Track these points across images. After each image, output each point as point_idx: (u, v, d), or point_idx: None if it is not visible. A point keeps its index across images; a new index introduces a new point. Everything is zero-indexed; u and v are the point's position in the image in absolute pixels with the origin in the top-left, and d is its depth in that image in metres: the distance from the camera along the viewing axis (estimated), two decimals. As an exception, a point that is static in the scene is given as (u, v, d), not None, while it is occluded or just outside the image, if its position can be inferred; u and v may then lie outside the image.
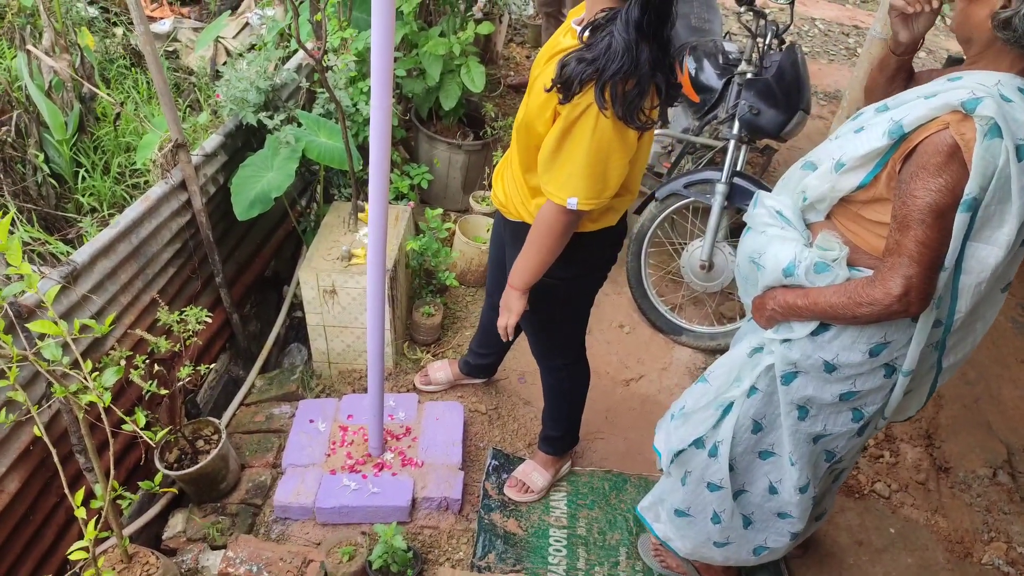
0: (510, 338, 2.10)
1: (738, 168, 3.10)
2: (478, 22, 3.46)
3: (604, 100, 1.58)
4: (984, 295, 1.54)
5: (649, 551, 2.38)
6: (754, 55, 3.22)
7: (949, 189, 1.39)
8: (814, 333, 1.64)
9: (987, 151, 1.35)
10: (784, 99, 3.12)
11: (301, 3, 2.94)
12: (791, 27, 3.49)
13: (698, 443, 1.95)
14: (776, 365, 1.73)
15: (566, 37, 1.76)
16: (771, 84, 3.12)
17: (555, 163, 1.71)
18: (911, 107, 1.46)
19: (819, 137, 4.84)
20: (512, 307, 1.98)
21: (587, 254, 1.99)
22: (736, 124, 3.14)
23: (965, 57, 1.54)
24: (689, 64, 3.49)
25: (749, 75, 3.19)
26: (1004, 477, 2.80)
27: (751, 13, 3.21)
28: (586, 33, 1.63)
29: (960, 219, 1.40)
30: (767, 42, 3.25)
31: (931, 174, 1.40)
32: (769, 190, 3.00)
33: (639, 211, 3.29)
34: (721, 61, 3.45)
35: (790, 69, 3.15)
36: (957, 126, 1.38)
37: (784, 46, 3.35)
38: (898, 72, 1.75)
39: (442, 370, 2.86)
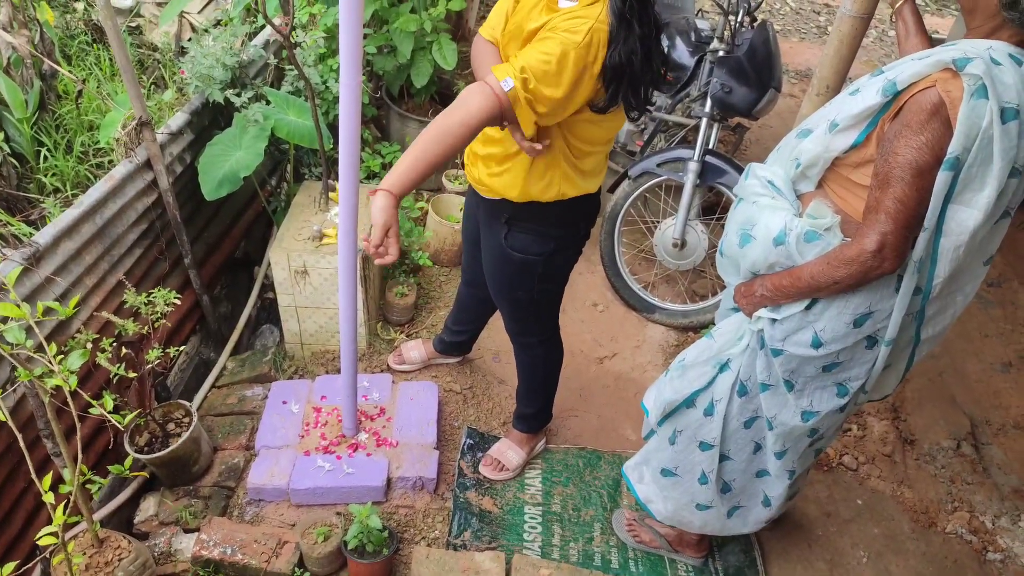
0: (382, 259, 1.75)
1: (710, 146, 3.11)
2: (449, -2, 3.42)
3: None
4: (964, 265, 1.57)
5: (623, 526, 2.41)
6: (726, 33, 3.22)
7: (930, 147, 1.40)
8: (808, 307, 1.66)
9: (972, 111, 1.37)
10: (756, 77, 3.13)
11: (268, -23, 2.88)
12: (763, 5, 3.50)
13: (688, 402, 1.97)
14: (765, 338, 1.76)
15: (542, 12, 1.72)
16: (743, 62, 3.13)
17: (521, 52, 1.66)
18: (905, 66, 1.48)
19: (790, 115, 4.87)
20: (372, 206, 1.64)
21: (565, 228, 2.00)
22: (708, 102, 3.15)
23: (967, 27, 1.57)
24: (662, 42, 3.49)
25: (721, 53, 3.19)
26: (967, 448, 2.88)
27: (723, -10, 3.21)
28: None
29: (942, 178, 1.42)
30: (739, 20, 3.25)
31: (914, 131, 1.42)
32: (741, 168, 3.04)
33: (612, 189, 3.29)
34: (693, 39, 3.45)
35: (762, 47, 3.16)
36: (945, 83, 1.40)
37: (756, 24, 3.36)
38: (916, 20, 1.82)
39: (416, 349, 2.86)
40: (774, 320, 1.72)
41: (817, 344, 1.67)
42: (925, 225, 1.47)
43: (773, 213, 1.68)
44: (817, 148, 1.61)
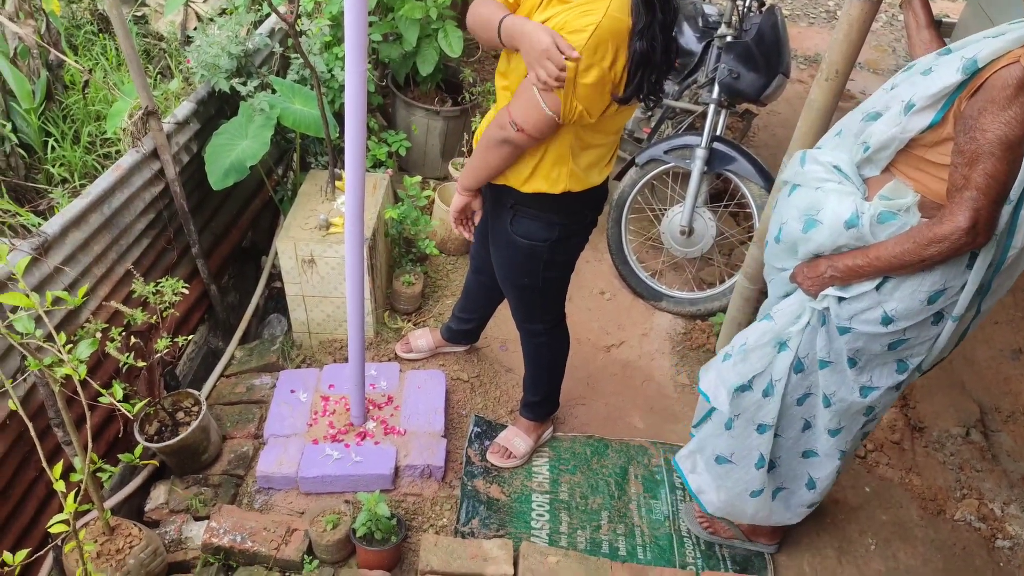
0: (465, 235, 2.12)
1: (718, 133, 3.09)
2: (455, -15, 3.40)
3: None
4: None
5: (695, 520, 2.40)
6: (734, 18, 3.19)
7: (1020, 120, 1.41)
8: (878, 286, 1.66)
9: None
10: (764, 63, 3.11)
11: (272, -35, 2.87)
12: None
13: (747, 386, 1.96)
14: (831, 317, 1.75)
15: (551, 3, 1.71)
16: (751, 47, 3.10)
17: None
18: (982, 44, 1.48)
19: (798, 101, 4.83)
20: (454, 203, 2.04)
21: (570, 217, 1.99)
22: (716, 88, 3.12)
23: None
24: (669, 27, 3.46)
25: (729, 38, 3.16)
26: (977, 436, 2.86)
27: (731, -25, 3.18)
28: None
29: None
30: (747, 5, 3.22)
31: (1000, 107, 1.42)
32: (749, 155, 3.02)
33: (619, 177, 3.28)
34: (701, 24, 3.42)
35: (770, 32, 3.13)
36: None
37: (764, 8, 3.33)
38: (926, 12, 1.82)
39: (423, 337, 2.86)
40: (841, 299, 1.72)
41: (887, 321, 1.67)
42: (1011, 198, 1.48)
43: (842, 197, 1.68)
44: (892, 130, 1.60)
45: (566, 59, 1.56)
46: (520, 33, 1.64)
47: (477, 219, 2.08)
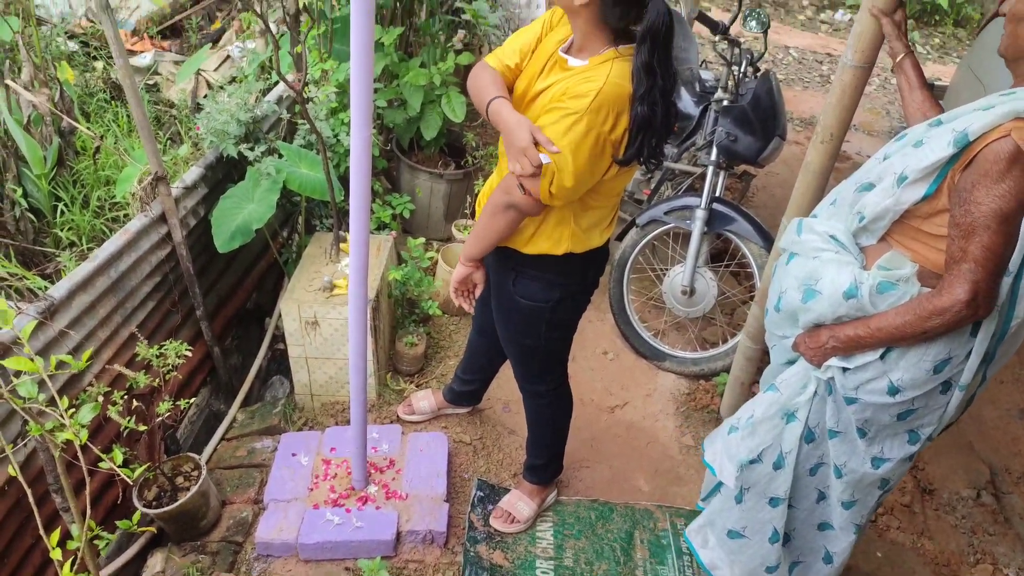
0: (465, 307, 2.12)
1: (717, 194, 3.14)
2: (458, 52, 3.50)
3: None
4: None
5: None
6: (730, 83, 3.27)
7: (1013, 194, 1.43)
8: (883, 356, 1.65)
9: None
10: (760, 126, 3.17)
11: (282, 36, 2.96)
12: (765, 55, 3.56)
13: (756, 459, 1.93)
14: (837, 388, 1.74)
15: (552, 70, 1.77)
16: (747, 111, 3.17)
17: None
18: (973, 117, 1.51)
19: (795, 163, 4.91)
20: (454, 276, 2.05)
21: (572, 277, 2.01)
22: (714, 151, 3.18)
23: (1014, 75, 1.61)
24: (667, 93, 3.54)
25: (725, 102, 3.24)
26: (988, 498, 2.81)
27: (726, 42, 3.27)
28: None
29: None
30: (742, 70, 3.31)
31: (993, 180, 1.44)
32: (748, 215, 3.06)
33: (620, 237, 3.31)
34: (698, 89, 3.51)
35: (765, 96, 3.21)
36: (1020, 132, 1.42)
37: (759, 74, 3.41)
38: (917, 74, 1.87)
39: (426, 399, 2.84)
40: (845, 369, 1.71)
41: (894, 391, 1.66)
42: (1009, 269, 1.50)
43: (840, 268, 1.68)
44: (886, 201, 1.61)
45: (550, 152, 1.63)
46: (503, 123, 1.70)
47: (478, 292, 2.07)
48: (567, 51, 1.77)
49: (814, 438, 1.85)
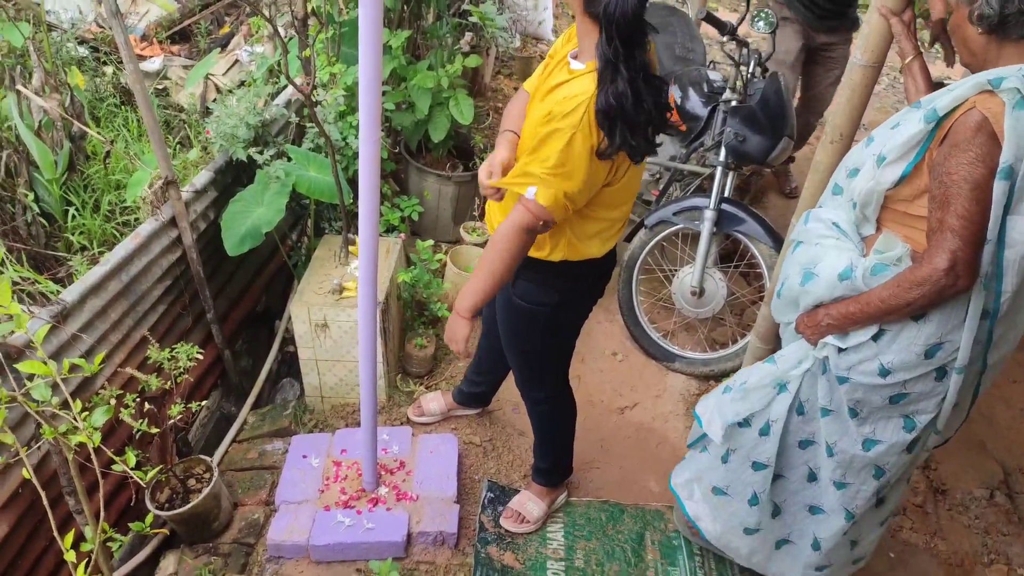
0: (470, 356, 2.13)
1: (726, 194, 3.13)
2: (466, 55, 3.50)
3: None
4: None
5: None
6: (738, 83, 3.26)
7: (981, 159, 1.45)
8: (875, 337, 1.68)
9: (1017, 121, 1.42)
10: (769, 126, 3.16)
11: (290, 40, 2.97)
12: (773, 55, 3.55)
13: (744, 422, 1.98)
14: (831, 367, 1.77)
15: (560, 70, 1.79)
16: (755, 111, 3.17)
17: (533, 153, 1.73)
18: (942, 95, 1.54)
19: (804, 162, 4.89)
20: (456, 334, 1.94)
21: (571, 282, 2.01)
22: (722, 151, 3.17)
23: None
24: (675, 93, 3.54)
25: (734, 103, 3.23)
26: (1001, 498, 2.80)
27: (734, 42, 3.26)
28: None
29: (999, 187, 1.46)
30: (750, 70, 3.30)
31: (962, 149, 1.47)
32: (757, 215, 3.05)
33: (629, 239, 3.31)
34: (706, 89, 3.50)
35: (774, 96, 3.20)
36: (984, 102, 1.46)
37: (767, 74, 3.40)
38: (924, 78, 1.88)
39: (435, 401, 2.85)
40: (840, 349, 1.74)
41: (885, 373, 1.68)
42: (988, 237, 1.50)
43: (839, 253, 1.72)
44: (868, 184, 1.65)
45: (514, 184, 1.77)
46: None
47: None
48: (574, 56, 1.81)
49: (804, 412, 1.89)
